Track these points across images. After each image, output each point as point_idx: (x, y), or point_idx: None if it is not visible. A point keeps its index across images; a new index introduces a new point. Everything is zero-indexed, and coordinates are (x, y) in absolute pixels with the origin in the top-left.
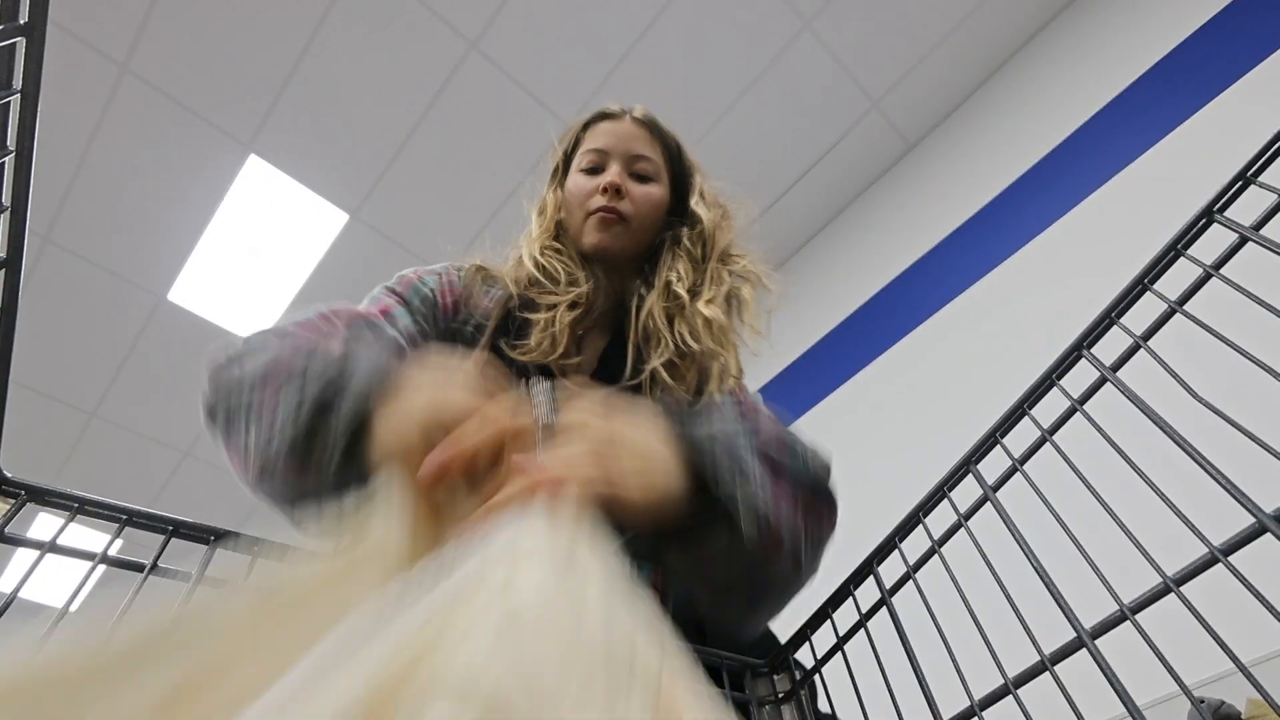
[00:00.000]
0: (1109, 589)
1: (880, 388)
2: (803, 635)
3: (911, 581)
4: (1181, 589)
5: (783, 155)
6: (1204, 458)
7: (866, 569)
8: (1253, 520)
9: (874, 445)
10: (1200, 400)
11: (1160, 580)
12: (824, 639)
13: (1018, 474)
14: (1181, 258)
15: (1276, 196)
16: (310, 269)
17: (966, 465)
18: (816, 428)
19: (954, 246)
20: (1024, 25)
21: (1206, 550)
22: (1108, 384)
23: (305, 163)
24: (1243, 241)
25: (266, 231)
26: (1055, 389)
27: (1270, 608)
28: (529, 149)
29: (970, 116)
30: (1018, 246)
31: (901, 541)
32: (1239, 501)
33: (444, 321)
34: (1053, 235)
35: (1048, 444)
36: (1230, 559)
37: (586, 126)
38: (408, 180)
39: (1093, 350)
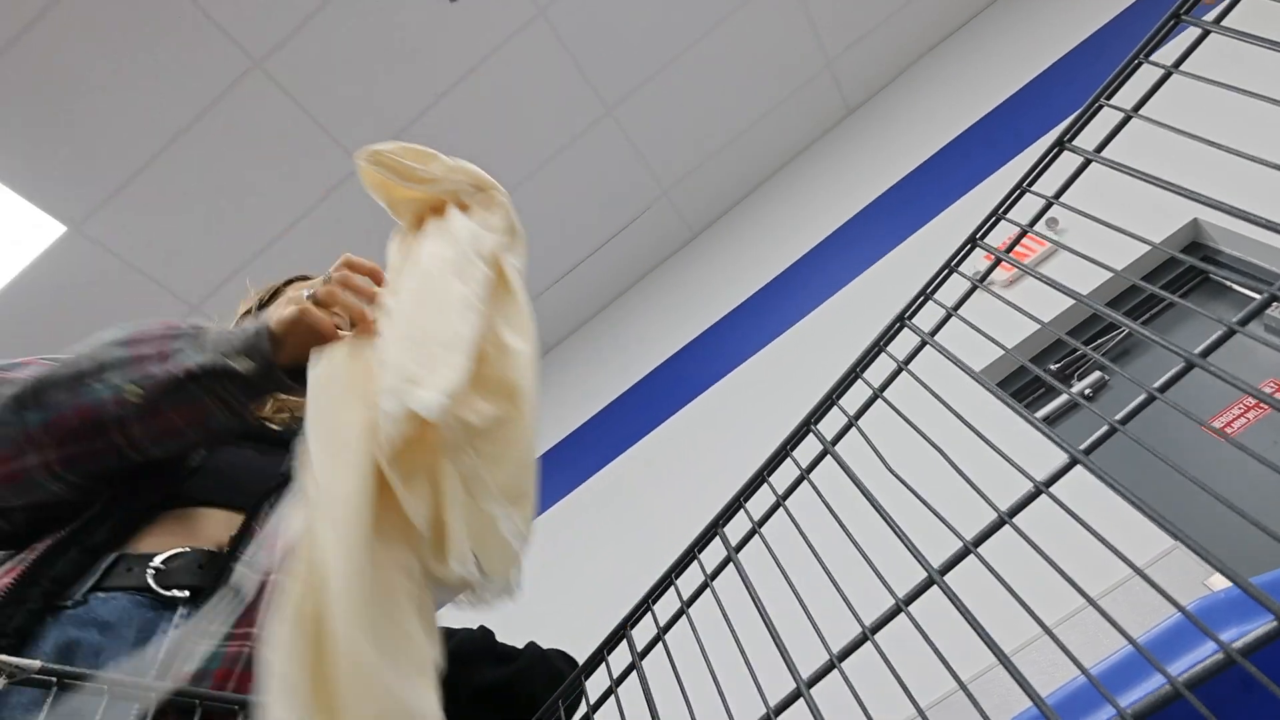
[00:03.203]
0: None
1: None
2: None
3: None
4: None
5: (575, 231)
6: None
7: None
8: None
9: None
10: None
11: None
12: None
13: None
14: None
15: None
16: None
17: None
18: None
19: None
20: (812, 130)
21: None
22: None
23: (10, 162)
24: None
25: None
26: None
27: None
28: (309, 177)
29: (749, 212)
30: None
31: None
32: (986, 498)
33: None
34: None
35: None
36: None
37: (288, 283)
38: (153, 197)
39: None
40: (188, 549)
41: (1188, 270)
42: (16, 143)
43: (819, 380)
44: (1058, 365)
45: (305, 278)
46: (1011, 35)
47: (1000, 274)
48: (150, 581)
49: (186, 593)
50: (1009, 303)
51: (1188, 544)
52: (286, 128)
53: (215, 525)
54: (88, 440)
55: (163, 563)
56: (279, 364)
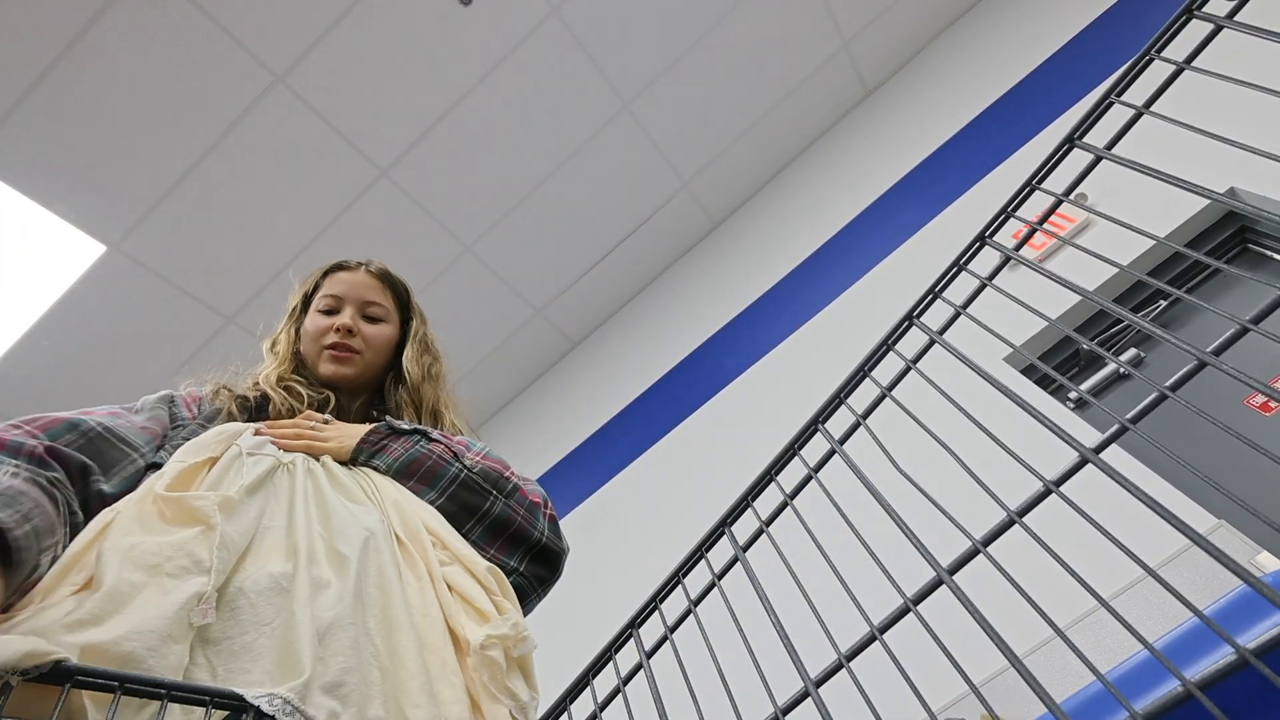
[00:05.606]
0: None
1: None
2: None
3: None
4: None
5: (597, 228)
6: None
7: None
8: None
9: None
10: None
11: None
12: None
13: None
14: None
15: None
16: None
17: (698, 551)
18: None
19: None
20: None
21: (934, 574)
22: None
23: (50, 185)
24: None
25: None
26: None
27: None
28: (334, 186)
29: (770, 199)
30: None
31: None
32: (958, 528)
33: (188, 418)
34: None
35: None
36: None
37: (326, 275)
38: (186, 214)
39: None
40: None
41: (1187, 271)
42: (54, 166)
43: (835, 375)
44: (1065, 360)
45: (343, 265)
46: (1035, 5)
47: (1007, 269)
48: None
49: None
50: (1017, 300)
51: (1246, 509)
52: (310, 139)
53: None
54: None
55: None
56: None
